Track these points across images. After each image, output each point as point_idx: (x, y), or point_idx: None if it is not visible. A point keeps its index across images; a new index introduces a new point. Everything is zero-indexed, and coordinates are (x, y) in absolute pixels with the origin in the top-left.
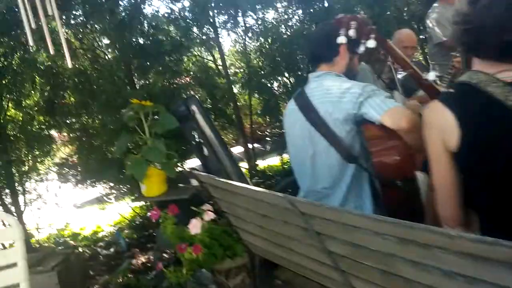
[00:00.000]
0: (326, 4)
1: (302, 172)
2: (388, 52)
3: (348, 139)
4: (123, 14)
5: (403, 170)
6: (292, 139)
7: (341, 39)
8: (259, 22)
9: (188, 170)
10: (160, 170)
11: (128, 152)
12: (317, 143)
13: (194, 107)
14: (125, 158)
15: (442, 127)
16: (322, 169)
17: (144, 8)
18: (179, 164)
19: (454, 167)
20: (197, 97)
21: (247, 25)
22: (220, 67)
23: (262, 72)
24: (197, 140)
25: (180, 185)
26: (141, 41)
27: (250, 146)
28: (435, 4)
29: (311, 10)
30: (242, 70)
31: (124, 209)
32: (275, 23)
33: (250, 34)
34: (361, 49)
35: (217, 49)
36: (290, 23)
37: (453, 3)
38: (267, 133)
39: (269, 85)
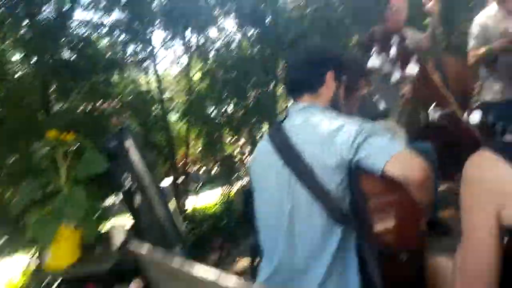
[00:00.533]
0: (276, 27)
1: (273, 235)
2: (425, 82)
3: (339, 192)
4: (45, 22)
5: (408, 236)
6: (263, 190)
7: (373, 62)
8: (204, 42)
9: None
10: (74, 231)
11: (32, 205)
12: (297, 196)
13: (129, 143)
14: (26, 215)
15: (500, 186)
16: (302, 231)
17: (72, 18)
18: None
19: (500, 243)
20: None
21: (190, 44)
22: (154, 91)
23: (205, 98)
24: (127, 186)
25: (97, 249)
26: (65, 56)
27: (180, 180)
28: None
29: (261, 32)
30: (181, 94)
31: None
32: (221, 44)
33: (192, 55)
34: (396, 76)
35: (152, 70)
36: (235, 45)
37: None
38: (202, 166)
39: (213, 113)
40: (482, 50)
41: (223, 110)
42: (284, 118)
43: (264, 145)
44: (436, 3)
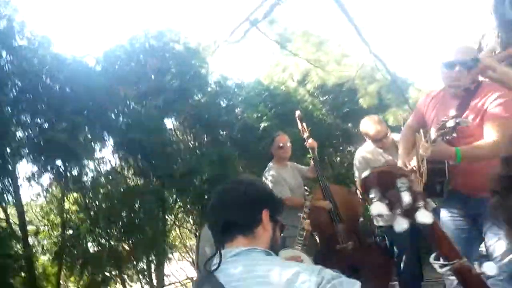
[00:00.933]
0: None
1: None
2: (435, 233)
3: None
4: None
5: None
6: None
7: (378, 209)
8: (80, 172)
9: None
10: None
11: None
12: None
13: None
14: None
15: None
16: None
17: None
18: None
19: None
20: None
21: (63, 175)
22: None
23: (84, 233)
24: None
25: None
26: None
27: None
28: (270, 164)
29: (146, 165)
30: (53, 229)
31: None
32: (101, 174)
33: (67, 186)
34: (402, 226)
35: (14, 202)
36: (119, 176)
37: (286, 165)
38: None
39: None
40: None
41: (107, 245)
42: (216, 267)
43: None
44: (314, 141)
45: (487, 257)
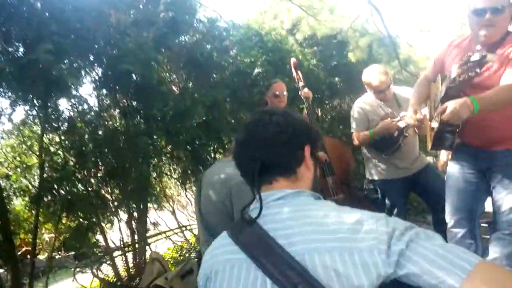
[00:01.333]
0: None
1: None
2: None
3: None
4: None
5: None
6: None
7: None
8: (59, 110)
9: None
10: None
11: None
12: None
13: None
14: None
15: None
16: None
17: None
18: None
19: None
20: None
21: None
22: None
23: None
24: None
25: None
26: None
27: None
28: None
29: (134, 103)
30: (23, 172)
31: None
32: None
33: (45, 124)
34: None
35: None
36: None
37: None
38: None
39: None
40: (365, 133)
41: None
42: (258, 214)
43: (224, 253)
44: (309, 91)
45: (494, 212)
